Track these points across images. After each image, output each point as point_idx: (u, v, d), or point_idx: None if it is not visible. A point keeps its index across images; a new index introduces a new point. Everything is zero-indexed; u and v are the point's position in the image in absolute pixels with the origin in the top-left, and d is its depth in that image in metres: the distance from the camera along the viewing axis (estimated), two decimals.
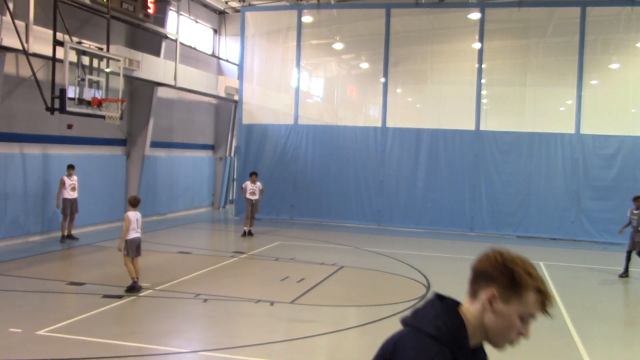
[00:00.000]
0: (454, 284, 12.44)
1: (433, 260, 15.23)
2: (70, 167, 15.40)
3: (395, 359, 2.05)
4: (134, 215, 10.47)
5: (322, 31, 23.26)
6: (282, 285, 11.64)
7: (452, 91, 22.01)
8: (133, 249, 10.41)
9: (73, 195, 15.30)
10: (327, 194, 21.41)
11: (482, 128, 20.45)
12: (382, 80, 21.48)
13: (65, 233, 15.36)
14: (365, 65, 25.32)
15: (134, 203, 10.59)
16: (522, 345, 7.47)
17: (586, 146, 19.59)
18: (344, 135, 21.74)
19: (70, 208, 15.27)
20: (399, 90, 22.85)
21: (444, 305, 2.13)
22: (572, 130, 19.78)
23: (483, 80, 20.95)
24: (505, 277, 2.06)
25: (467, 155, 20.43)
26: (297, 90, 22.50)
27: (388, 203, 20.96)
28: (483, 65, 20.73)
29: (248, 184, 17.92)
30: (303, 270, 13.16)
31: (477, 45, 20.71)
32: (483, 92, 21.20)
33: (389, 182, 21.04)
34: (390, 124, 21.30)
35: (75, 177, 15.42)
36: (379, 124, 21.49)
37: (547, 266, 14.64)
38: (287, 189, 21.66)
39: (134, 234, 10.44)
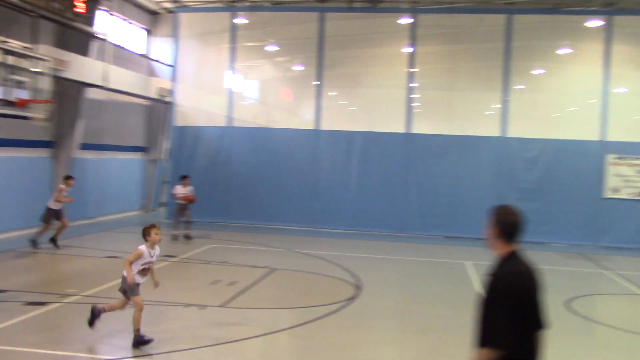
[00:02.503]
0: (384, 283, 12.72)
1: (364, 261, 15.45)
2: None
3: None
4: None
5: (257, 33, 23.23)
6: (213, 288, 11.57)
7: (384, 95, 22.38)
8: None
9: None
10: (260, 196, 21.37)
11: (413, 131, 20.90)
12: (316, 83, 21.64)
13: None
14: (299, 68, 25.44)
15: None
16: (435, 339, 7.52)
17: (511, 149, 20.31)
18: (278, 138, 21.78)
19: None
20: (332, 93, 23.08)
21: None
22: (498, 134, 20.47)
23: (414, 85, 21.43)
24: None
25: (398, 158, 20.81)
26: (231, 92, 22.38)
27: (321, 205, 21.11)
28: (414, 70, 21.19)
29: (179, 188, 17.70)
30: (235, 273, 13.12)
31: (408, 50, 21.16)
32: (414, 96, 21.67)
33: (322, 184, 21.21)
34: (323, 126, 21.49)
35: None
36: (313, 127, 21.65)
37: (475, 265, 15.09)
38: (220, 191, 21.51)
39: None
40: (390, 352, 8.54)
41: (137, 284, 8.08)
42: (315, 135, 21.43)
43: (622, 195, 19.71)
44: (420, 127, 21.12)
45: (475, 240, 19.71)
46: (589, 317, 11.06)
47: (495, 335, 3.73)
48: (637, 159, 19.65)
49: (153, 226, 8.18)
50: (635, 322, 10.88)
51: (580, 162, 19.94)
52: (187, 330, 8.80)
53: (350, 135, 21.24)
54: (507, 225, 3.92)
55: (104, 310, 8.24)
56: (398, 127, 20.97)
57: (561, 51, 21.39)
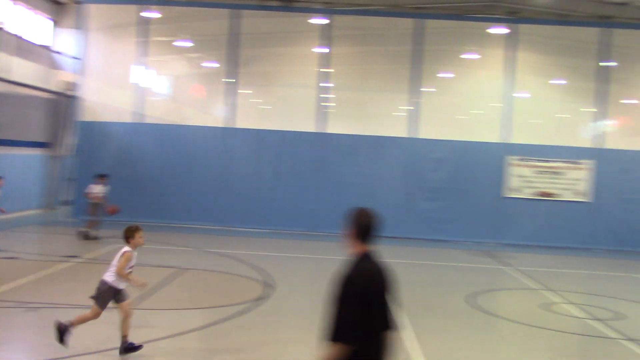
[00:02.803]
0: (296, 281, 12.77)
1: (276, 259, 15.45)
2: None
3: None
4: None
5: (168, 28, 22.75)
6: None
7: (298, 94, 22.47)
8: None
9: None
10: (171, 194, 20.93)
11: (325, 131, 21.10)
12: (230, 80, 21.43)
13: None
14: (212, 65, 25.08)
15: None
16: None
17: (420, 150, 20.90)
18: (190, 135, 21.41)
19: None
20: (246, 91, 22.92)
21: None
22: (407, 135, 21.02)
23: (327, 84, 21.65)
24: None
25: (311, 157, 20.95)
26: (141, 87, 21.78)
27: (233, 204, 20.93)
28: (327, 70, 21.40)
29: (95, 187, 17.01)
30: (142, 274, 12.68)
31: (321, 50, 21.34)
32: (327, 96, 21.89)
33: (234, 183, 21.03)
34: (236, 124, 21.33)
35: None
36: (226, 125, 21.43)
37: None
38: (129, 189, 20.86)
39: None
40: (299, 352, 8.57)
41: (120, 290, 7.66)
42: (228, 133, 21.23)
43: (522, 195, 20.73)
44: (333, 127, 21.37)
45: (386, 239, 20.12)
46: (490, 311, 11.54)
47: (344, 331, 3.87)
48: (536, 160, 20.71)
49: (138, 229, 7.74)
50: (532, 315, 11.45)
51: (483, 163, 20.81)
52: (91, 333, 8.48)
53: (263, 134, 21.18)
54: (363, 226, 4.12)
55: (72, 325, 7.51)
56: (311, 127, 21.14)
57: (467, 56, 22.23)
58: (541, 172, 20.71)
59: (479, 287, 13.22)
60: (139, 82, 21.81)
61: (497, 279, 15.26)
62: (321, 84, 21.33)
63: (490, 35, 21.62)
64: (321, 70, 21.25)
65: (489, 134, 21.08)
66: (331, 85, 22.07)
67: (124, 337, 7.52)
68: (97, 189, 16.93)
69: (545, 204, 20.70)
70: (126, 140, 21.20)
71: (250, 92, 23.45)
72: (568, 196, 20.67)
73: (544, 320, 11.02)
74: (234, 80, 21.37)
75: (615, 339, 9.84)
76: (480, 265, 16.61)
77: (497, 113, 21.29)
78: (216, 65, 24.56)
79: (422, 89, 21.43)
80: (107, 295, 7.57)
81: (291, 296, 11.53)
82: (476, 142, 20.96)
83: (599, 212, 20.63)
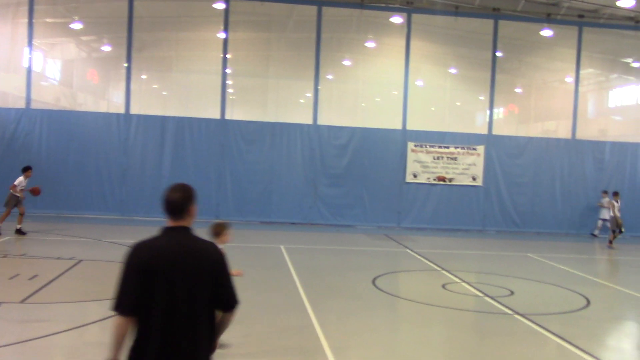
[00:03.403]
0: None
1: None
2: None
3: None
4: None
5: (59, 9, 21.59)
6: (11, 284, 10.61)
7: (198, 80, 22.06)
8: None
9: None
10: (65, 183, 19.95)
11: (227, 117, 20.84)
12: (126, 65, 20.68)
13: None
14: (107, 49, 24.09)
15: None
16: (259, 325, 7.79)
17: (322, 136, 21.11)
18: (83, 122, 20.48)
19: None
20: (143, 77, 22.21)
21: None
22: (310, 122, 21.17)
23: (228, 70, 21.36)
24: None
25: (212, 144, 20.65)
26: (30, 71, 20.58)
27: (132, 193, 20.30)
28: (228, 56, 21.11)
29: (22, 179, 15.88)
30: (36, 266, 12.16)
31: (222, 36, 21.00)
32: (228, 82, 21.61)
33: (133, 171, 20.38)
34: (134, 110, 20.63)
35: None
36: (123, 111, 20.68)
37: (287, 249, 15.48)
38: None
39: None
40: None
41: None
42: (125, 119, 20.50)
43: (421, 180, 21.44)
44: (235, 114, 21.16)
45: (290, 225, 20.22)
46: (392, 292, 11.89)
47: (115, 298, 3.85)
48: (433, 146, 21.46)
49: (227, 226, 7.49)
50: (432, 294, 11.91)
51: (384, 149, 21.33)
52: None
53: (162, 120, 20.61)
54: (164, 201, 3.97)
55: None
56: (212, 113, 20.80)
57: (368, 44, 22.61)
58: (438, 158, 21.50)
59: (380, 269, 13.56)
60: (26, 66, 20.58)
61: (397, 261, 15.72)
62: (224, 71, 21.00)
63: (389, 24, 22.09)
64: (223, 55, 20.91)
65: (390, 121, 21.61)
66: (234, 71, 21.79)
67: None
68: (23, 182, 15.80)
69: (442, 188, 21.53)
70: (13, 127, 19.98)
71: (149, 77, 22.76)
72: (463, 180, 21.60)
73: (442, 299, 11.48)
74: (130, 65, 20.61)
75: (507, 314, 10.40)
76: (381, 249, 17.05)
77: (397, 100, 21.84)
78: (110, 48, 23.65)
79: (324, 76, 21.60)
80: None
81: None
82: (377, 128, 21.42)
83: (490, 196, 21.72)
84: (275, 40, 22.90)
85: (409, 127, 21.50)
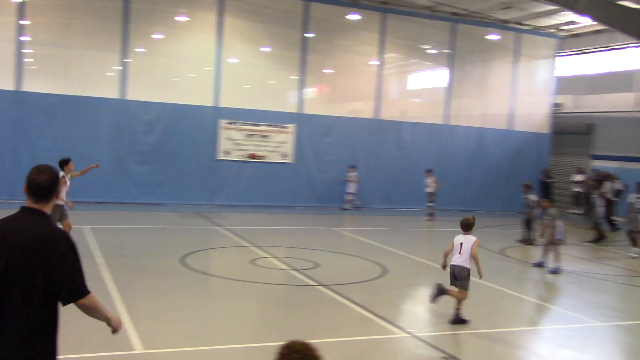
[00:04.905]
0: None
1: None
2: None
3: None
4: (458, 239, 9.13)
5: None
6: None
7: None
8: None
9: None
10: None
11: (23, 89, 19.19)
12: None
13: None
14: None
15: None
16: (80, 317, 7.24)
17: (130, 112, 20.29)
18: None
19: None
20: None
21: None
22: (117, 96, 20.22)
23: (27, 38, 19.63)
24: None
25: (6, 118, 18.94)
26: None
27: None
28: (26, 22, 19.38)
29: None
30: None
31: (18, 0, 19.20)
32: (28, 51, 19.90)
33: None
34: None
35: None
36: None
37: (93, 230, 14.80)
38: None
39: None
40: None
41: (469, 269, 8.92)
42: None
43: (233, 157, 21.53)
44: (33, 85, 19.51)
45: (97, 204, 19.25)
46: (202, 270, 11.89)
47: None
48: (245, 124, 21.64)
49: (475, 219, 9.20)
50: (241, 270, 12.14)
51: (196, 126, 21.06)
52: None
53: None
54: (28, 182, 3.77)
55: (450, 294, 8.98)
56: (6, 85, 19.01)
57: (179, 18, 22.01)
58: (250, 136, 21.72)
59: (190, 247, 13.47)
60: None
61: (208, 238, 15.72)
62: (19, 38, 19.23)
63: None
64: (18, 22, 19.13)
65: (202, 98, 21.32)
66: (30, 39, 20.03)
67: (457, 309, 8.87)
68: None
69: (253, 166, 21.81)
70: None
71: None
72: (274, 158, 22.07)
73: (251, 274, 11.74)
74: None
75: (312, 285, 10.92)
76: (192, 227, 16.92)
77: (209, 77, 21.59)
78: None
79: (133, 49, 20.68)
80: (468, 278, 8.91)
81: None
82: (189, 105, 21.05)
83: (300, 173, 22.46)
84: (80, 8, 21.36)
85: (221, 104, 21.42)
